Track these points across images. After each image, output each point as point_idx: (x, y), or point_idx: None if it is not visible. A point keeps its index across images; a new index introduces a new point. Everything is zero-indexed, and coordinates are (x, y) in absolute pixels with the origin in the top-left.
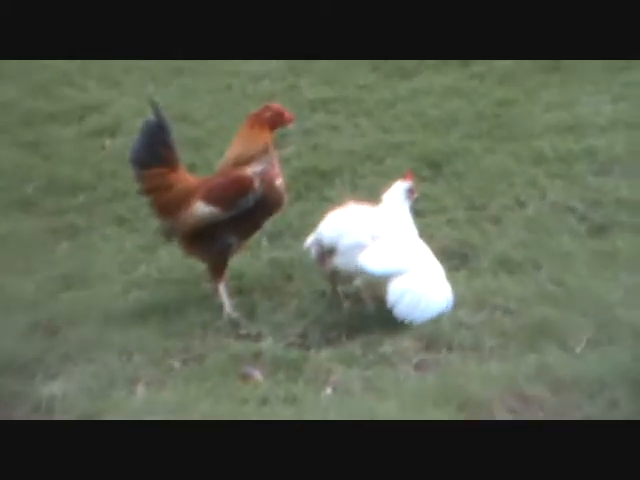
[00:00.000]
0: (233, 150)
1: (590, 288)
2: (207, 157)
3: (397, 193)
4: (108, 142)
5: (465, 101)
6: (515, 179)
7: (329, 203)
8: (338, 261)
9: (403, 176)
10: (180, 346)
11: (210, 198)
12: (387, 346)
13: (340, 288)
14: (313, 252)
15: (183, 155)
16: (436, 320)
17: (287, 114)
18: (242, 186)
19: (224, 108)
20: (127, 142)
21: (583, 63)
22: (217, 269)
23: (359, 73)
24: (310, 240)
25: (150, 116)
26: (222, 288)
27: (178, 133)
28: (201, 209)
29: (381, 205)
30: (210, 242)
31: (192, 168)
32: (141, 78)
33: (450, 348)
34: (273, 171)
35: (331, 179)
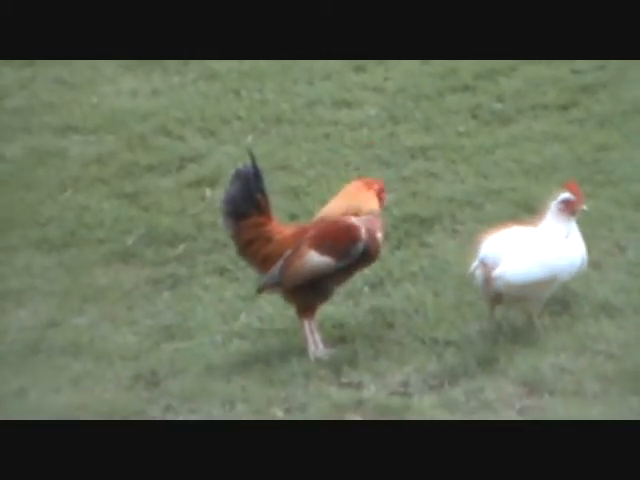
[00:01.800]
0: (339, 203)
1: None
2: (307, 206)
3: (553, 207)
4: (208, 192)
5: (565, 146)
6: (615, 224)
7: (429, 249)
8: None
9: (564, 185)
10: (283, 395)
11: (322, 247)
12: (490, 392)
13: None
14: (478, 274)
15: (284, 204)
16: (537, 366)
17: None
18: (352, 234)
19: (323, 156)
20: None
21: None
22: (310, 309)
23: (458, 120)
24: (474, 264)
25: (243, 164)
26: (308, 325)
27: (278, 182)
28: (315, 259)
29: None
30: (315, 290)
31: (293, 217)
32: (239, 127)
33: (552, 393)
34: (376, 223)
35: (430, 226)
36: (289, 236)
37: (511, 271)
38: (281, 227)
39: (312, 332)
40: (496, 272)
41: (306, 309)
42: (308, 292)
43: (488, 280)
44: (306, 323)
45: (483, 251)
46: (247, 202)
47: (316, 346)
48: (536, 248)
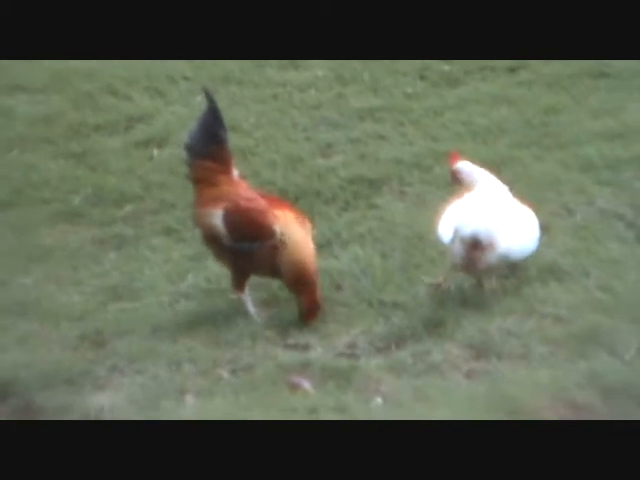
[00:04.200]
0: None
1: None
2: (254, 166)
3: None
4: (156, 152)
5: (513, 109)
6: (563, 187)
7: (377, 211)
8: (500, 253)
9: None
10: (229, 356)
11: (229, 222)
12: (437, 355)
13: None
14: (456, 245)
15: None
16: (485, 329)
17: None
18: (261, 233)
19: (271, 117)
20: (175, 153)
21: (631, 69)
22: (236, 283)
23: (406, 81)
24: (447, 234)
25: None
26: (245, 298)
27: None
28: (214, 220)
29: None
30: (231, 262)
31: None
32: (187, 87)
33: (500, 357)
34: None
35: (378, 188)
36: (234, 192)
37: (517, 246)
38: (238, 183)
39: (248, 299)
40: (502, 248)
41: (234, 282)
42: (228, 262)
43: (475, 252)
44: (242, 297)
45: (467, 223)
46: (204, 142)
47: (257, 311)
48: (526, 221)
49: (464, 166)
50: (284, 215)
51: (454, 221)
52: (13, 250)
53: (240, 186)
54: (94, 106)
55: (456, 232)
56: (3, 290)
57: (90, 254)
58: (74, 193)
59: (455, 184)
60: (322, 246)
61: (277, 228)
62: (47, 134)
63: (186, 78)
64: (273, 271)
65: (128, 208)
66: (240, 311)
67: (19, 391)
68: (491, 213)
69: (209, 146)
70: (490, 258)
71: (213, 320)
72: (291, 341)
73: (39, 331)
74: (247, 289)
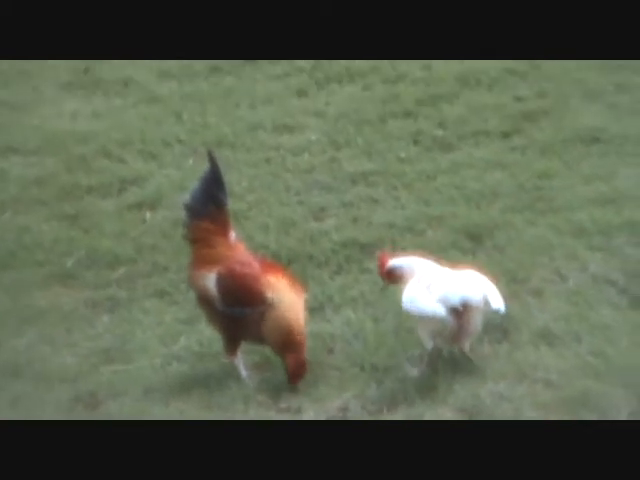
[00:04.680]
0: None
1: (631, 360)
2: (247, 230)
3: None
4: (148, 215)
5: (506, 173)
6: (556, 252)
7: (370, 275)
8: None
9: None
10: (222, 420)
11: (222, 286)
12: (429, 419)
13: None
14: (448, 319)
15: None
16: (476, 393)
17: None
18: (252, 299)
19: (264, 181)
20: (167, 215)
21: (623, 135)
22: (227, 347)
23: (400, 145)
24: (441, 309)
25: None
26: (237, 362)
27: None
28: (208, 283)
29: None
30: (222, 326)
31: None
32: (180, 150)
33: None
34: None
35: (371, 251)
36: (229, 255)
37: (503, 305)
38: (234, 246)
39: (239, 363)
40: (498, 308)
41: (225, 346)
42: (220, 326)
43: (470, 318)
44: (234, 361)
45: (471, 293)
46: (203, 203)
47: (249, 374)
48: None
49: (396, 262)
50: (277, 281)
51: (436, 295)
52: (6, 312)
53: (236, 249)
54: (87, 168)
55: (444, 302)
56: None
57: (83, 316)
58: (67, 255)
59: (392, 283)
60: (314, 310)
61: (269, 295)
62: (40, 196)
63: (180, 141)
64: (261, 337)
65: (121, 271)
66: (232, 374)
67: None
68: (463, 279)
69: (208, 207)
70: (478, 320)
71: (205, 383)
72: (283, 405)
73: (32, 393)
74: (239, 353)
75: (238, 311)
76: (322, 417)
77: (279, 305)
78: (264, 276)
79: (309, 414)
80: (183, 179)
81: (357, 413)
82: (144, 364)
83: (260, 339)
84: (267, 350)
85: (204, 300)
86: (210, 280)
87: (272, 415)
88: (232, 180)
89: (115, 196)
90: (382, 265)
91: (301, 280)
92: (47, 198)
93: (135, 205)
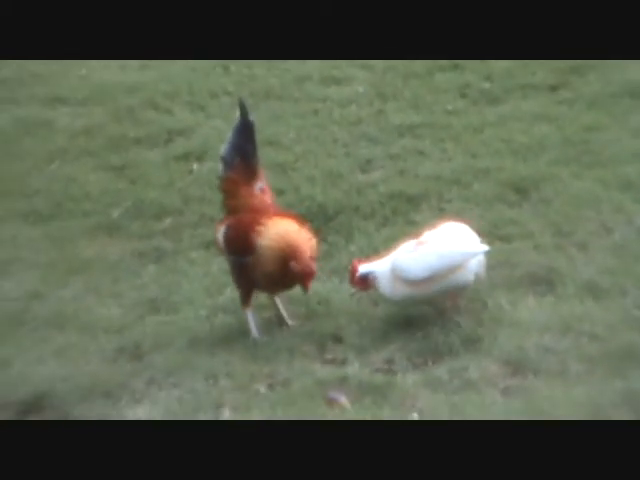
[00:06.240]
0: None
1: None
2: (294, 182)
3: None
4: (195, 166)
5: (553, 127)
6: (602, 205)
7: (415, 227)
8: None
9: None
10: (266, 371)
11: (225, 238)
12: (473, 371)
13: None
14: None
15: (271, 179)
16: (521, 346)
17: None
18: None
19: (311, 133)
20: (214, 167)
21: None
22: (242, 298)
23: (447, 98)
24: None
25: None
26: (249, 316)
27: (265, 157)
28: (219, 235)
29: None
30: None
31: (280, 193)
32: (228, 102)
33: (536, 374)
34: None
35: (417, 204)
36: (247, 206)
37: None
38: (256, 196)
39: (253, 321)
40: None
41: (240, 297)
42: (232, 276)
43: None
44: (246, 312)
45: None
46: (231, 154)
47: (258, 330)
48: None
49: (365, 268)
50: (274, 224)
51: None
52: (52, 262)
53: (256, 200)
54: (135, 119)
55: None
56: (42, 302)
57: (129, 267)
58: (114, 206)
59: (363, 290)
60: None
61: (259, 242)
62: (87, 147)
63: (227, 93)
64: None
65: (167, 221)
66: (278, 325)
67: (56, 403)
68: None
69: (234, 158)
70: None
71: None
72: (329, 356)
73: (77, 343)
74: (250, 309)
75: (238, 259)
76: (367, 369)
77: (271, 229)
78: (258, 225)
79: (354, 366)
80: (230, 131)
81: (402, 365)
82: (189, 315)
83: (274, 285)
84: (313, 301)
85: (220, 252)
86: (221, 232)
87: (317, 367)
88: (279, 132)
89: (162, 147)
90: (353, 273)
91: (347, 231)
92: (94, 149)
93: (182, 156)
